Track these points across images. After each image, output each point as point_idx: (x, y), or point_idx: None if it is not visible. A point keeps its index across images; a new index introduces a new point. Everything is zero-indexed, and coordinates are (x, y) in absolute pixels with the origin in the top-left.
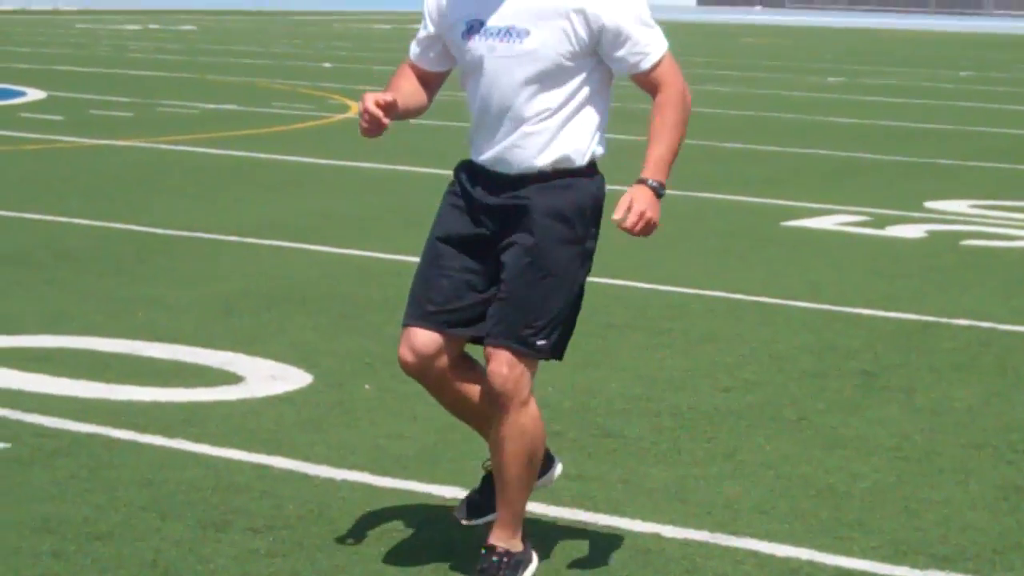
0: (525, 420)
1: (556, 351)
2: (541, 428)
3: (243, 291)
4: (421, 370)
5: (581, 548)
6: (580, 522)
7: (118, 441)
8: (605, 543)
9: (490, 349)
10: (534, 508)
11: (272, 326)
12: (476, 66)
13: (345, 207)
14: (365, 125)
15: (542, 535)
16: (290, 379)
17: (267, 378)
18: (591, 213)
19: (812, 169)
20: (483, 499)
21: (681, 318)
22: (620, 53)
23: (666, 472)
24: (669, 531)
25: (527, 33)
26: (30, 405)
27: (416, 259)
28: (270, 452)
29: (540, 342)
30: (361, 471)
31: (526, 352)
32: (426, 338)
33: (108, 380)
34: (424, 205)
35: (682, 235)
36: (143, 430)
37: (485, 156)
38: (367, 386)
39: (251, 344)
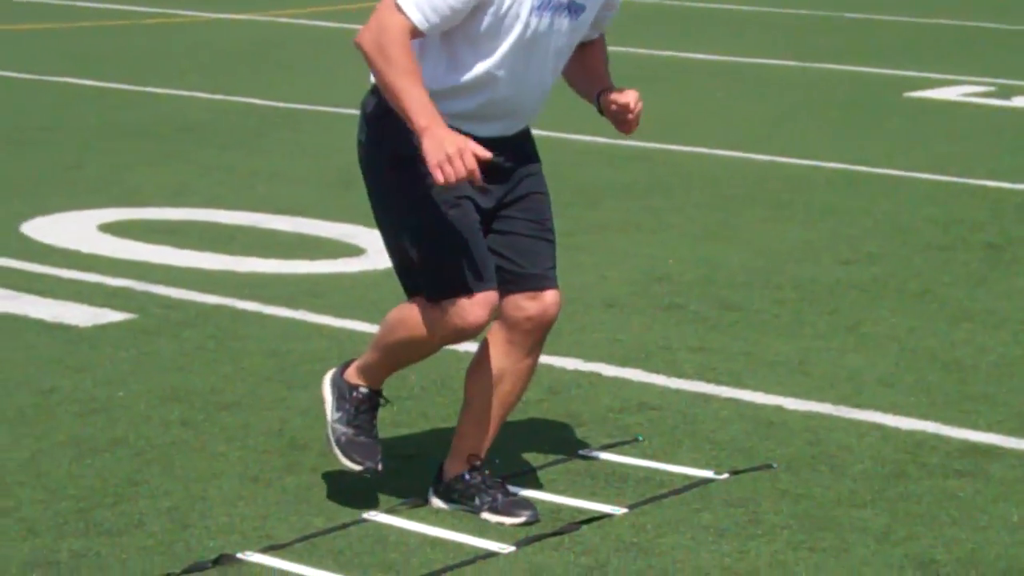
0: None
1: None
2: None
3: None
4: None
5: (703, 420)
6: (702, 394)
7: (243, 312)
8: (727, 415)
9: (540, 290)
10: (655, 380)
11: None
12: (531, 41)
13: None
14: (457, 177)
15: (664, 406)
16: None
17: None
18: None
19: (936, 39)
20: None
21: (802, 190)
22: (606, 15)
23: (788, 344)
24: (791, 403)
25: (583, 8)
26: (156, 277)
27: None
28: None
29: None
30: None
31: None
32: (497, 297)
33: (232, 252)
34: None
35: (802, 106)
36: (267, 301)
37: (501, 127)
38: None
39: (372, 216)
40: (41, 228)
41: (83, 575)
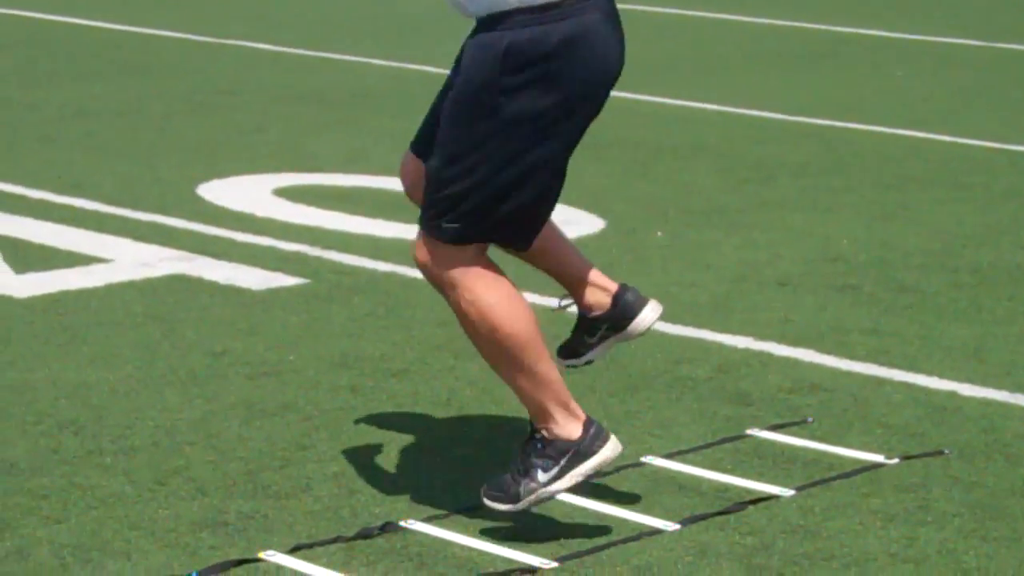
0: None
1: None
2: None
3: None
4: None
5: (875, 403)
6: (875, 377)
7: (414, 281)
8: (900, 399)
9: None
10: (827, 362)
11: None
12: None
13: (640, 52)
14: None
15: (835, 388)
16: (582, 224)
17: (559, 223)
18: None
19: None
20: (574, 338)
21: (984, 173)
22: None
23: (965, 329)
24: (967, 389)
25: None
26: (329, 242)
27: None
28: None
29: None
30: None
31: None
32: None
33: (405, 220)
34: (717, 51)
35: (985, 87)
36: None
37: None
38: (659, 233)
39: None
40: (217, 191)
41: (250, 536)
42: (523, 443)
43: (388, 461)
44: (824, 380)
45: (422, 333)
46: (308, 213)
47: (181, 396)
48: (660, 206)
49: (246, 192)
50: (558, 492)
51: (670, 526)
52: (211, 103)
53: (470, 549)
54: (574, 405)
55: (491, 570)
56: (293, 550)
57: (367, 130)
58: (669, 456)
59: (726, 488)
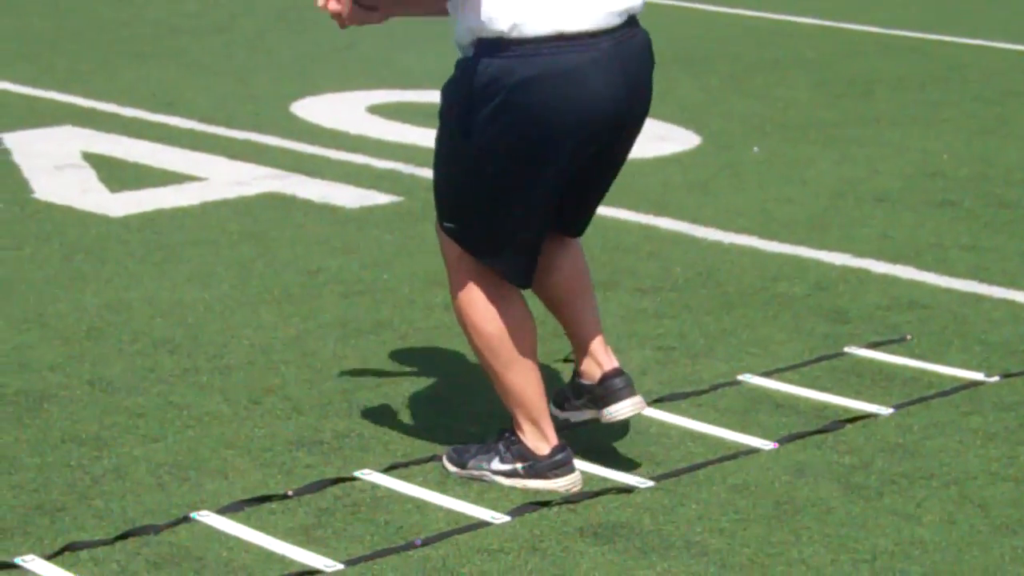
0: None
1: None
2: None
3: None
4: None
5: (974, 320)
6: (974, 294)
7: None
8: (999, 316)
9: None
10: (926, 278)
11: (660, 86)
12: None
13: None
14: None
15: (934, 305)
16: (677, 140)
17: (655, 139)
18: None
19: None
20: (565, 391)
21: None
22: None
23: None
24: None
25: None
26: (423, 160)
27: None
28: (657, 213)
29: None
30: (749, 235)
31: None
32: None
33: None
34: None
35: None
36: None
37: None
38: (755, 149)
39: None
40: (311, 108)
41: (345, 455)
42: (502, 428)
43: (483, 380)
44: (923, 297)
45: None
46: (402, 130)
47: (276, 315)
48: (756, 121)
49: (340, 109)
50: (498, 483)
51: (767, 445)
52: (304, 19)
53: None
54: (548, 429)
55: (589, 489)
56: (388, 469)
57: None
58: (766, 374)
59: (824, 407)
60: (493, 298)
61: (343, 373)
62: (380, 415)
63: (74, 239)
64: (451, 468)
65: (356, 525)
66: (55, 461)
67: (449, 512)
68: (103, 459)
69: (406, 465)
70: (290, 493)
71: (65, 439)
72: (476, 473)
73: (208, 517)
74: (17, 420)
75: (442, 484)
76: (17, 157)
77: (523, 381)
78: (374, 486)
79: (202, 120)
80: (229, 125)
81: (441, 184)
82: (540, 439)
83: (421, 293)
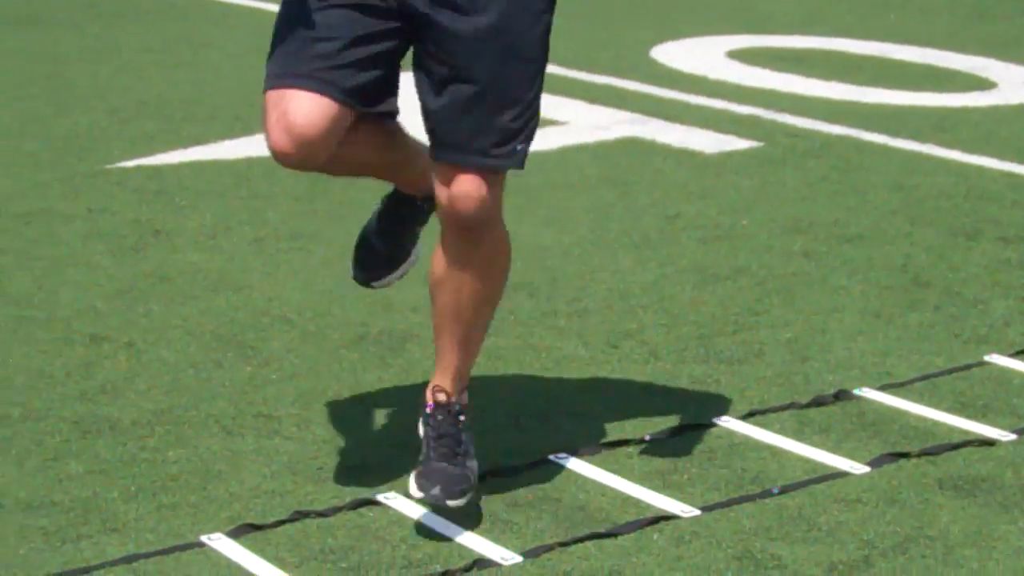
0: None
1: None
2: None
3: None
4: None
5: None
6: None
7: (868, 144)
8: None
9: (450, 170)
10: None
11: None
12: None
13: None
14: None
15: None
16: None
17: (1021, 85)
18: None
19: None
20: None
21: None
22: None
23: None
24: None
25: None
26: (782, 105)
27: None
28: (1022, 161)
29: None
30: None
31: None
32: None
33: (858, 83)
34: None
35: None
36: (893, 134)
37: None
38: None
39: (1006, 49)
40: (671, 53)
41: (701, 401)
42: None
43: (842, 328)
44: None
45: (877, 198)
46: (762, 75)
47: (634, 259)
48: None
49: (700, 54)
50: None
51: None
52: None
53: (924, 419)
54: None
55: (948, 441)
56: (745, 416)
57: None
58: None
59: None
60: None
61: (700, 318)
62: (737, 362)
63: None
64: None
65: (712, 471)
66: (417, 401)
67: (806, 461)
68: (469, 401)
69: (763, 412)
70: (647, 437)
71: (426, 379)
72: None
73: (565, 460)
74: (381, 360)
75: (799, 432)
76: None
77: None
78: (730, 433)
79: (563, 64)
80: (589, 70)
81: (534, 102)
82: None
83: (780, 239)
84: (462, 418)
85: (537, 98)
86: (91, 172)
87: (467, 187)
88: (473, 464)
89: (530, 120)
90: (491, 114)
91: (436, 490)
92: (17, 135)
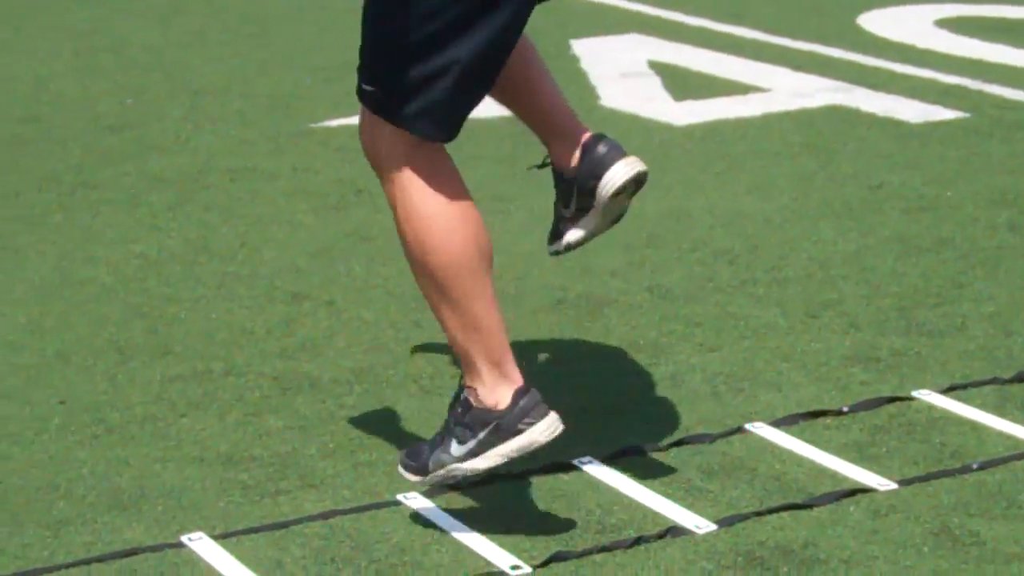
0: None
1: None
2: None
3: None
4: None
5: None
6: None
7: None
8: None
9: None
10: None
11: None
12: None
13: None
14: None
15: None
16: None
17: None
18: None
19: None
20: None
21: None
22: None
23: None
24: None
25: None
26: (991, 75)
27: None
28: None
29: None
30: None
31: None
32: None
33: None
34: None
35: None
36: None
37: None
38: None
39: None
40: (877, 21)
41: (902, 374)
42: (450, 400)
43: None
44: None
45: None
46: (971, 45)
47: (835, 228)
48: None
49: (908, 22)
50: (475, 471)
51: None
52: None
53: None
54: (510, 365)
55: None
56: (947, 390)
57: None
58: None
59: None
60: (454, 208)
61: (902, 290)
62: (938, 334)
63: (638, 147)
64: (411, 478)
65: (911, 445)
66: (613, 366)
67: (1008, 437)
68: (660, 365)
69: (964, 387)
70: (845, 409)
71: (623, 344)
72: (442, 474)
73: (761, 429)
74: (578, 324)
75: (1001, 408)
76: (585, 64)
77: (487, 308)
78: (930, 407)
79: (767, 31)
80: (794, 36)
81: (376, 46)
82: (502, 383)
83: (985, 212)
84: (461, 395)
85: (380, 42)
86: (296, 131)
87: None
88: (439, 454)
89: (371, 61)
90: (362, 44)
91: (401, 453)
92: (223, 94)
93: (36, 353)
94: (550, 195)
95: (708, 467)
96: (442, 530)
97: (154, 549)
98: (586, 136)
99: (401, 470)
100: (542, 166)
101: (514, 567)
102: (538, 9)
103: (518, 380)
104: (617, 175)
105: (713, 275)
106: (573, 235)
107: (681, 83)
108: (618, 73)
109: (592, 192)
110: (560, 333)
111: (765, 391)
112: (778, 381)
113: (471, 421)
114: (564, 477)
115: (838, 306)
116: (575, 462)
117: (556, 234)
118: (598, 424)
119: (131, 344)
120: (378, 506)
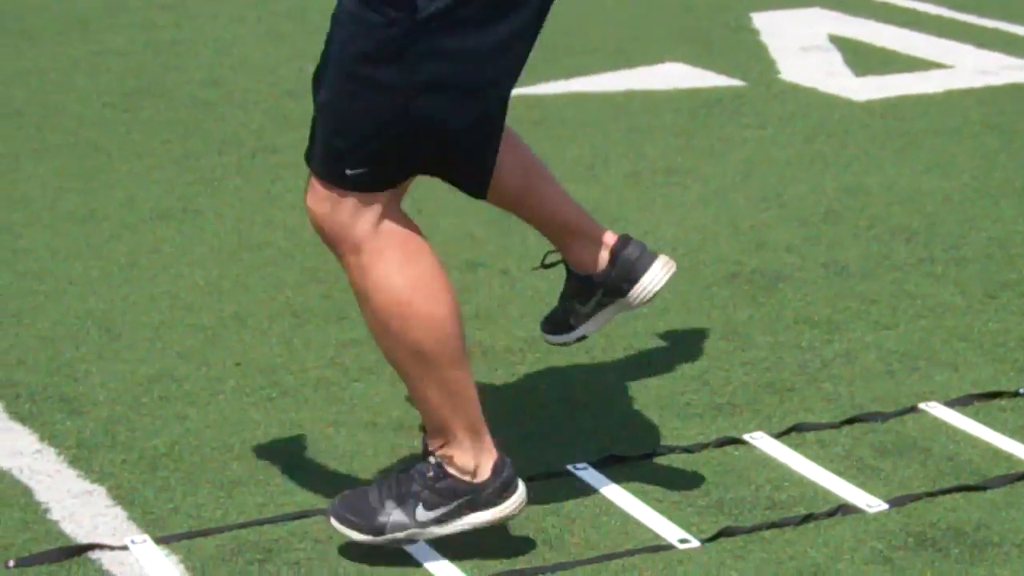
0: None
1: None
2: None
3: None
4: None
5: None
6: None
7: None
8: None
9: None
10: None
11: None
12: None
13: None
14: None
15: None
16: None
17: None
18: None
19: None
20: (563, 306)
21: None
22: None
23: None
24: None
25: None
26: None
27: None
28: None
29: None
30: None
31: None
32: None
33: None
34: None
35: None
36: None
37: None
38: None
39: None
40: None
41: None
42: (408, 463)
43: None
44: None
45: None
46: None
47: (1017, 208)
48: None
49: None
50: (436, 535)
51: None
52: None
53: None
54: (486, 433)
55: None
56: None
57: None
58: None
59: None
60: (431, 273)
61: None
62: None
63: (817, 121)
64: (358, 536)
65: None
66: (787, 341)
67: None
68: (834, 343)
69: None
70: (1022, 391)
71: (798, 320)
72: (401, 537)
73: (936, 408)
74: (752, 298)
75: None
76: (765, 37)
77: (467, 374)
78: None
79: (952, 7)
80: (979, 13)
81: (359, 122)
82: (481, 454)
83: None
84: (430, 459)
85: (362, 120)
86: None
87: (311, 190)
88: (399, 515)
89: (358, 145)
90: (320, 124)
91: (336, 501)
92: None
93: (213, 315)
94: (727, 167)
95: (881, 446)
96: (611, 501)
97: (325, 512)
98: (610, 237)
99: (342, 527)
100: (551, 265)
101: (682, 540)
102: None
103: (494, 451)
104: (656, 278)
105: (890, 252)
106: (586, 329)
107: (862, 58)
108: (798, 47)
109: (622, 292)
110: (734, 307)
111: (940, 371)
112: (954, 361)
113: (444, 489)
114: (734, 452)
115: (1017, 287)
116: (746, 437)
117: (564, 326)
118: (771, 401)
119: (307, 308)
120: (547, 476)
